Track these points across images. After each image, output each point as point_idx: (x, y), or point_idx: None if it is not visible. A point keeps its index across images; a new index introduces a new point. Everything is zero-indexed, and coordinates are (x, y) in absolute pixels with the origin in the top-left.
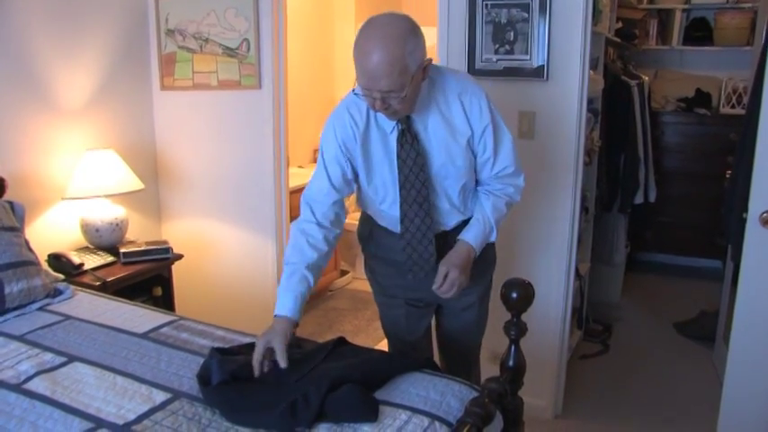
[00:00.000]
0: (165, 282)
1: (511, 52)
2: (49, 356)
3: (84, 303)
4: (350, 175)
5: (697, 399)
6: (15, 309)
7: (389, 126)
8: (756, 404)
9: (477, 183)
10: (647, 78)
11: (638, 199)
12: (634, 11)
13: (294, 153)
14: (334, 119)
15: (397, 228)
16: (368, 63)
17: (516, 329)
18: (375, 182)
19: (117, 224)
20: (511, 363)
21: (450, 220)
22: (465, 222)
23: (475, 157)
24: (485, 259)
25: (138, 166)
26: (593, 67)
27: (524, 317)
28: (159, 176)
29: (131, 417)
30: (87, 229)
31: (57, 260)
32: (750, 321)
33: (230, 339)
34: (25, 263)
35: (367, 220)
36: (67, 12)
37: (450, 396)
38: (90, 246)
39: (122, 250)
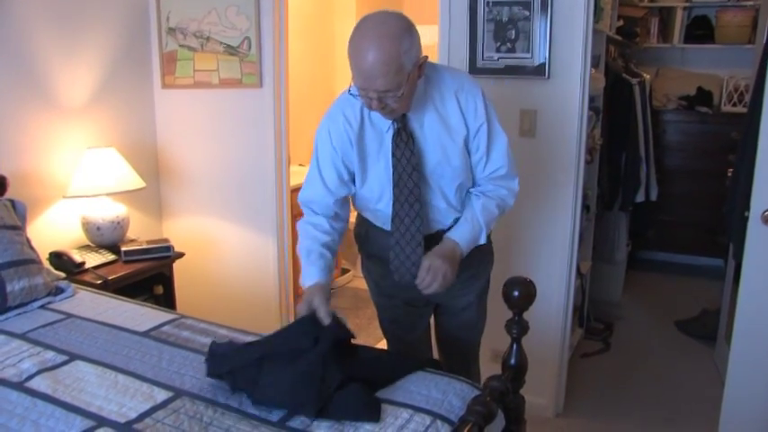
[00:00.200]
0: (167, 280)
1: (512, 50)
2: (50, 355)
3: (86, 302)
4: (346, 177)
5: (698, 397)
6: (17, 307)
7: (385, 125)
8: (758, 403)
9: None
10: (648, 76)
11: (640, 197)
12: (635, 9)
13: (295, 151)
14: (329, 121)
15: (389, 227)
16: (363, 63)
17: (518, 328)
18: (370, 181)
19: (118, 222)
20: (512, 361)
21: (446, 219)
22: None
23: (470, 156)
24: (482, 259)
25: (140, 165)
26: (595, 65)
27: (526, 315)
28: (160, 175)
29: (133, 415)
30: (88, 227)
31: (58, 258)
32: (752, 320)
33: (232, 338)
34: (27, 261)
35: (363, 221)
36: (68, 10)
37: (451, 395)
38: (91, 244)
39: (123, 248)
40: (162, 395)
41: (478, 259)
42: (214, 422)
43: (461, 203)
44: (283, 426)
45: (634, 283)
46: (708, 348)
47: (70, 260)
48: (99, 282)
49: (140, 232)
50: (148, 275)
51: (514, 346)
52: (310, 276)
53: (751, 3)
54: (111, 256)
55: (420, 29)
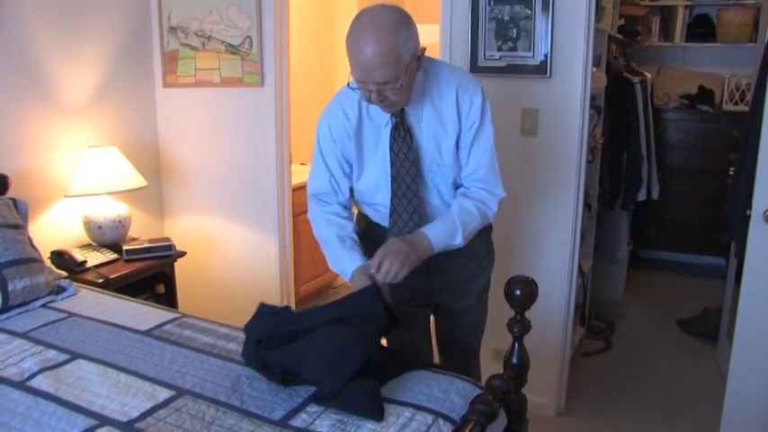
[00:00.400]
0: (168, 279)
1: (514, 49)
2: (52, 354)
3: (88, 300)
4: (347, 170)
5: (700, 396)
6: (19, 306)
7: (383, 119)
8: (760, 402)
9: None
10: (649, 75)
11: (641, 196)
12: (636, 7)
13: (296, 150)
14: (328, 115)
15: (387, 223)
16: (361, 55)
17: (520, 327)
18: (367, 175)
19: (120, 221)
20: (514, 360)
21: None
22: None
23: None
24: (480, 261)
25: (141, 164)
26: (596, 63)
27: (527, 314)
28: (162, 174)
29: (135, 414)
30: (90, 226)
31: (60, 257)
32: (754, 319)
33: (233, 336)
34: (28, 260)
35: (363, 217)
36: (70, 9)
37: (453, 394)
38: (93, 243)
39: (125, 247)
40: (164, 394)
41: (475, 262)
42: (216, 421)
43: None
44: (285, 424)
45: (635, 281)
46: (709, 347)
47: (72, 259)
48: (100, 281)
49: (142, 231)
50: (150, 274)
51: (516, 345)
52: (353, 261)
53: (752, 1)
54: (112, 255)
55: (421, 28)
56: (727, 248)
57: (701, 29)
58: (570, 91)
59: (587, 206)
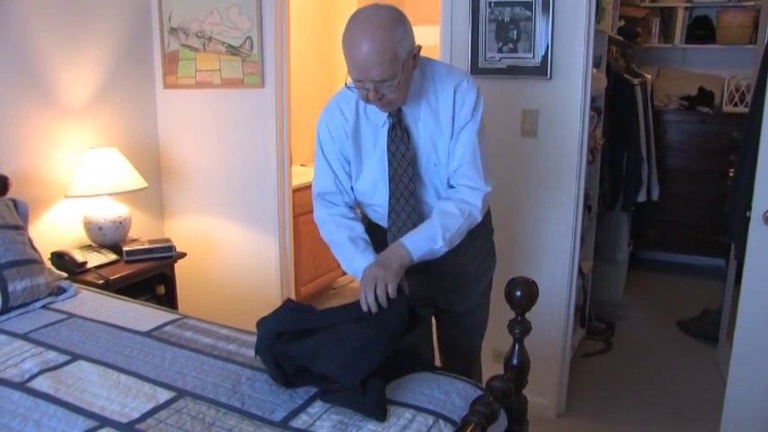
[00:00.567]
0: (168, 280)
1: (514, 50)
2: (52, 355)
3: (88, 302)
4: (348, 169)
5: (700, 397)
6: (19, 307)
7: (380, 119)
8: (760, 403)
9: None
10: (649, 77)
11: (641, 197)
12: (637, 9)
13: (297, 151)
14: (327, 115)
15: (386, 223)
16: (358, 54)
17: (520, 328)
18: (365, 175)
19: (120, 222)
20: (515, 361)
21: None
22: None
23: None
24: (482, 262)
25: (142, 165)
26: (596, 65)
27: (527, 315)
28: (162, 174)
29: (135, 415)
30: (90, 227)
31: (60, 258)
32: (753, 320)
33: (234, 338)
34: (29, 261)
35: (364, 220)
36: (70, 10)
37: (454, 395)
38: (93, 244)
39: (125, 248)
40: (164, 395)
41: (475, 265)
42: (216, 422)
43: None
44: (285, 425)
45: (635, 283)
46: (709, 348)
47: (72, 260)
48: (101, 282)
49: (142, 232)
50: (150, 275)
51: (517, 347)
52: (367, 261)
53: (752, 3)
54: (112, 256)
55: (422, 29)
56: (726, 250)
57: (701, 30)
58: (570, 92)
59: (587, 207)
